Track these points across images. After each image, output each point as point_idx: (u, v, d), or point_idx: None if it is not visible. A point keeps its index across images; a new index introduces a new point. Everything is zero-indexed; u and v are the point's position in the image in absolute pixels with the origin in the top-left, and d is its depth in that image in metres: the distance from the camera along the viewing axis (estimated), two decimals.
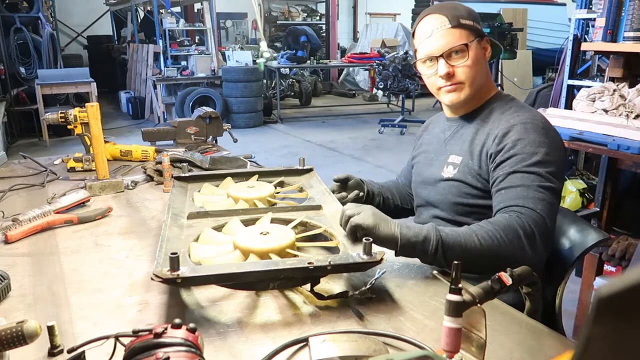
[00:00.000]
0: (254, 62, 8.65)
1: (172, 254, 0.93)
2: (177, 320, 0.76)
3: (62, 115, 2.06)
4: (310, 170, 1.71)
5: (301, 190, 1.61)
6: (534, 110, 1.35)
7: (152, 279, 0.94)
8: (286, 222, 1.30)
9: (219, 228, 1.28)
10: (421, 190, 1.52)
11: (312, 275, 1.04)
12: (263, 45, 8.55)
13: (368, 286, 1.03)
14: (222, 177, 1.65)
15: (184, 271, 0.94)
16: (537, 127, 1.28)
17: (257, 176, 1.67)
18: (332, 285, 1.14)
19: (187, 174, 1.62)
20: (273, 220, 1.32)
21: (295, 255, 1.12)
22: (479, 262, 1.15)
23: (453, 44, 1.31)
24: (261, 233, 1.17)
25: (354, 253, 1.05)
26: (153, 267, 0.97)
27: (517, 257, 1.10)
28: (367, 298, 1.04)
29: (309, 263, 1.00)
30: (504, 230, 1.15)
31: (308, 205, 1.43)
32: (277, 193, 1.58)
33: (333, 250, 1.24)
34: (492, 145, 1.30)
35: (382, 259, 1.01)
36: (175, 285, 0.95)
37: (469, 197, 1.35)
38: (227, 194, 1.51)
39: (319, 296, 1.05)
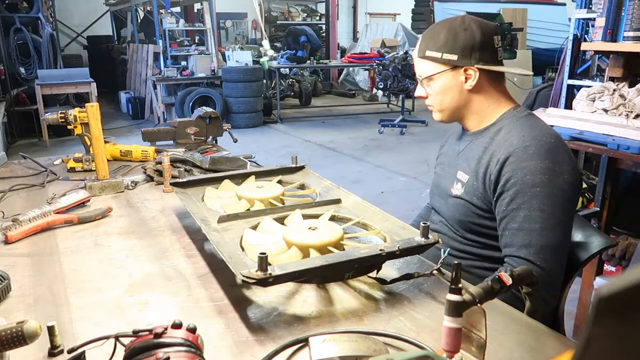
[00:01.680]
0: (256, 62, 8.61)
1: (261, 253, 0.94)
2: (177, 320, 0.76)
3: (62, 115, 2.05)
4: (302, 167, 1.75)
5: (302, 187, 1.63)
6: (543, 129, 1.28)
7: (243, 281, 0.94)
8: (314, 217, 1.34)
9: (253, 228, 1.30)
10: (435, 201, 1.53)
11: (381, 261, 1.12)
12: (266, 44, 8.52)
13: (439, 265, 1.10)
14: (220, 179, 1.65)
15: (273, 270, 0.95)
16: (541, 151, 1.21)
17: (254, 177, 1.67)
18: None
19: (184, 180, 1.61)
20: (302, 217, 1.36)
21: (343, 247, 1.18)
22: None
23: (418, 74, 1.41)
24: (309, 228, 1.21)
25: (416, 237, 1.11)
26: (233, 271, 0.94)
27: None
28: (441, 273, 1.12)
29: (380, 250, 1.05)
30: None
31: (329, 199, 1.47)
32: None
33: (371, 239, 1.31)
34: (494, 170, 1.27)
35: (438, 241, 1.11)
36: (267, 284, 0.96)
37: (475, 217, 1.34)
38: (238, 195, 1.51)
39: (382, 281, 1.11)
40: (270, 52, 8.55)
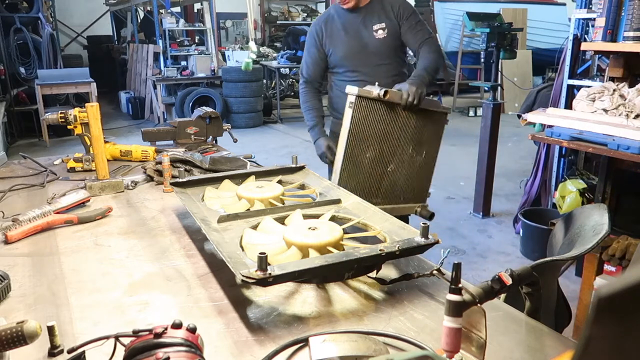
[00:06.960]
0: (256, 62, 8.52)
1: (260, 253, 0.94)
2: (177, 320, 0.76)
3: (62, 115, 2.06)
4: (302, 167, 1.75)
5: (302, 187, 1.63)
6: None
7: (242, 281, 0.95)
8: (314, 217, 1.34)
9: (253, 228, 1.30)
10: (355, 60, 2.35)
11: (381, 261, 1.12)
12: (252, 45, 8.38)
13: (439, 265, 1.10)
14: (220, 179, 1.65)
15: (272, 270, 0.95)
16: None
17: (254, 177, 1.67)
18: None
19: (184, 180, 1.60)
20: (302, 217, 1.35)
21: (343, 247, 1.18)
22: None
23: None
24: (309, 228, 1.21)
25: (416, 237, 1.11)
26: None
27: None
28: (440, 274, 1.11)
29: (380, 250, 1.05)
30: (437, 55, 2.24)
31: (329, 200, 1.47)
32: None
33: (372, 239, 1.30)
34: (396, 11, 2.30)
35: (437, 241, 1.11)
36: (266, 284, 0.96)
37: (398, 41, 2.33)
38: (238, 195, 1.51)
39: (382, 281, 1.11)
40: (253, 56, 8.26)
